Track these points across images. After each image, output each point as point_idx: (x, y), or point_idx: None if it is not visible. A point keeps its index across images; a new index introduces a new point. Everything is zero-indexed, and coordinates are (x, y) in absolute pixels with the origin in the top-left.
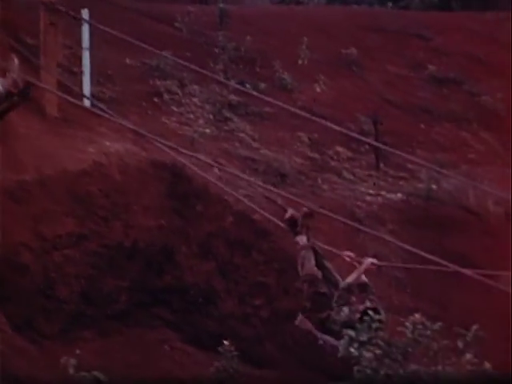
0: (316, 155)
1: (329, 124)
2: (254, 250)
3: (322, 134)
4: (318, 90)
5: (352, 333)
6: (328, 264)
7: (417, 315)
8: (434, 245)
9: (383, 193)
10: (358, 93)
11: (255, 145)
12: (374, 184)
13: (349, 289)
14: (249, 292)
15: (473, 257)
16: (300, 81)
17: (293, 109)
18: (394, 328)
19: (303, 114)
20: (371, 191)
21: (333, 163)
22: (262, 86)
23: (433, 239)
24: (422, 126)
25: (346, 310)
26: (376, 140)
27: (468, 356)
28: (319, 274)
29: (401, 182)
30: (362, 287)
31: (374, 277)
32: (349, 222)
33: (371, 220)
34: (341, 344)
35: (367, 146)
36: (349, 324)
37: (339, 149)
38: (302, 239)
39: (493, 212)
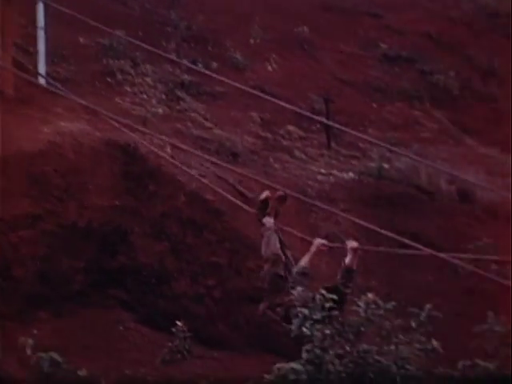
0: (268, 134)
1: (281, 103)
2: (206, 230)
3: (273, 113)
4: (270, 69)
5: (306, 311)
6: (288, 251)
7: (369, 294)
8: (385, 223)
9: (335, 172)
10: (310, 72)
11: (208, 124)
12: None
13: (303, 272)
14: (201, 272)
15: (425, 235)
16: (252, 60)
17: (245, 88)
18: (347, 307)
19: (255, 92)
20: (323, 170)
21: (284, 142)
22: (214, 65)
23: (384, 218)
24: (374, 104)
25: (299, 289)
26: (327, 119)
27: (418, 335)
28: (283, 257)
29: (352, 161)
30: (347, 272)
31: (326, 257)
32: (307, 199)
33: (323, 199)
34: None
35: (319, 125)
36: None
37: (291, 128)
38: (269, 221)
39: (445, 191)
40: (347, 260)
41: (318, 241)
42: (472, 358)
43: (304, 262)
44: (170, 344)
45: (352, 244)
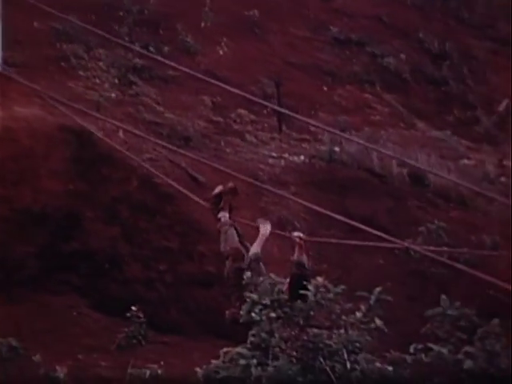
0: (219, 118)
1: (228, 87)
2: (157, 215)
3: (225, 96)
4: (221, 52)
5: (255, 296)
6: (246, 244)
7: (319, 278)
8: (337, 207)
9: (286, 155)
10: (261, 55)
11: (159, 109)
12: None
13: (256, 258)
14: (153, 256)
15: (376, 218)
16: (203, 44)
17: (195, 73)
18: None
19: (204, 78)
20: (274, 154)
21: (236, 126)
22: (166, 49)
23: (336, 201)
24: (325, 88)
25: (248, 274)
26: (278, 102)
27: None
28: (243, 250)
29: (303, 145)
30: (299, 265)
31: (278, 240)
32: (257, 183)
33: (274, 183)
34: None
35: (270, 109)
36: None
37: (242, 112)
38: (225, 216)
39: (396, 174)
40: (296, 254)
41: (266, 227)
42: (424, 341)
43: (255, 248)
44: (125, 329)
45: (297, 236)
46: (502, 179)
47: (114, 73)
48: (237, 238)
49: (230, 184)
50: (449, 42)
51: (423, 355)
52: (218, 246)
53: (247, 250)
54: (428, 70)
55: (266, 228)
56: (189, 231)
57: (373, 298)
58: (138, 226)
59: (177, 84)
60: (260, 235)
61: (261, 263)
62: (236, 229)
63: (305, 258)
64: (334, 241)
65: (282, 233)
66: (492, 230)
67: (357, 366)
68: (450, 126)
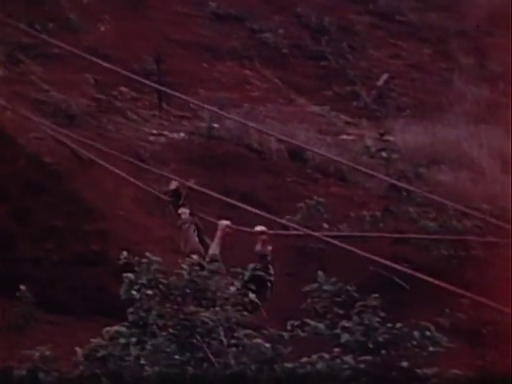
0: (102, 96)
1: (109, 65)
2: (45, 193)
3: (107, 74)
4: (103, 29)
5: (132, 276)
6: (207, 239)
7: (194, 256)
8: (216, 183)
9: (166, 132)
10: (142, 32)
11: (45, 87)
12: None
13: (213, 260)
14: (40, 235)
15: (255, 194)
16: (86, 21)
17: (76, 51)
18: (175, 269)
19: (86, 55)
20: (154, 131)
21: (118, 104)
22: (50, 26)
23: (215, 178)
24: (205, 64)
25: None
26: (159, 79)
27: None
28: (202, 250)
29: (183, 122)
30: (262, 258)
31: (158, 219)
32: (135, 161)
33: (155, 160)
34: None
35: (151, 86)
36: None
37: (123, 89)
38: (185, 212)
39: (275, 150)
40: (258, 246)
41: (223, 223)
42: (301, 317)
43: (212, 249)
44: (14, 309)
45: (259, 230)
46: (383, 154)
47: (1, 50)
48: (196, 238)
49: (192, 181)
50: (328, 16)
51: (300, 331)
52: (103, 225)
53: (206, 248)
54: (307, 45)
55: (223, 225)
56: (75, 210)
57: (247, 274)
58: (26, 205)
59: (61, 62)
60: (217, 233)
61: (220, 263)
62: (197, 225)
63: (268, 249)
64: (291, 233)
65: (244, 229)
66: (372, 205)
67: (234, 343)
68: (329, 102)
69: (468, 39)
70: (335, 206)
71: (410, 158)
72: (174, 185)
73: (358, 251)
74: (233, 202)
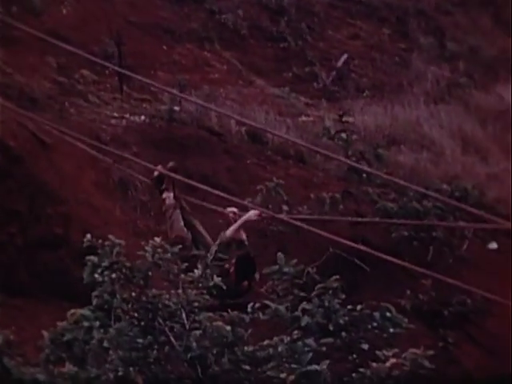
0: (63, 79)
1: (70, 47)
2: (8, 177)
3: (68, 57)
4: (64, 12)
5: (95, 258)
6: (195, 222)
7: (157, 239)
8: (177, 166)
9: (127, 116)
10: (103, 14)
11: (8, 70)
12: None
13: (228, 243)
14: (4, 219)
15: (215, 177)
16: (48, 3)
17: (38, 33)
18: (135, 252)
19: (47, 38)
20: (116, 114)
21: (79, 87)
22: (14, 9)
23: (176, 160)
24: (164, 46)
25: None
26: (119, 62)
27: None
28: (189, 235)
29: (144, 105)
30: (239, 244)
31: (120, 201)
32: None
33: (116, 143)
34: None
35: (111, 69)
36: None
37: (85, 72)
38: (169, 197)
39: (234, 132)
40: (232, 231)
41: (253, 213)
42: (261, 299)
43: (230, 232)
44: None
45: (231, 211)
46: (343, 135)
47: None
48: (182, 223)
49: (171, 164)
50: None
51: (261, 313)
52: (65, 208)
53: (195, 231)
54: (266, 26)
55: (250, 215)
56: (37, 194)
57: (210, 256)
58: None
59: (24, 45)
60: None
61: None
62: (182, 208)
63: (243, 235)
64: (280, 217)
65: (218, 208)
66: (331, 187)
67: (196, 326)
68: (289, 83)
69: (427, 19)
70: (295, 187)
71: (369, 139)
72: (156, 172)
73: (321, 232)
74: (191, 182)
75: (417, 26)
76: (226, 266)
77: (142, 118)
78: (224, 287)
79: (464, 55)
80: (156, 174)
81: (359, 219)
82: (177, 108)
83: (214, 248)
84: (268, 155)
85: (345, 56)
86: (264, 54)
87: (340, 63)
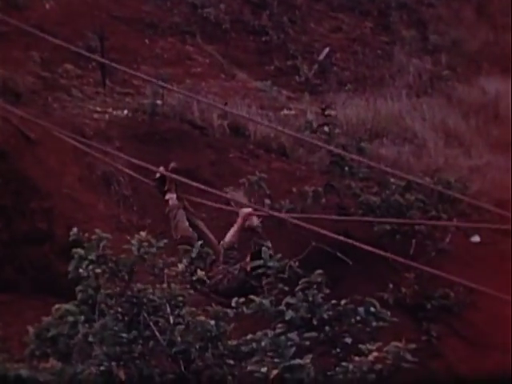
0: (47, 74)
1: (59, 42)
2: None
3: (52, 52)
4: (48, 6)
5: (81, 251)
6: (199, 222)
7: (142, 233)
8: (160, 160)
9: (110, 110)
10: (86, 9)
11: None
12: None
13: (231, 247)
14: None
15: (198, 170)
16: None
17: (26, 27)
18: (121, 246)
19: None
20: (99, 108)
21: (62, 81)
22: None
23: (159, 154)
24: (147, 40)
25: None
26: (102, 56)
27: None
28: (194, 234)
29: (127, 99)
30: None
31: (103, 196)
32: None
33: (99, 137)
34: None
35: (94, 63)
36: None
37: (68, 66)
38: (172, 198)
39: (217, 126)
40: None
41: (244, 210)
42: (246, 294)
43: (230, 236)
44: None
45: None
46: (325, 129)
47: None
48: (186, 223)
49: (172, 164)
50: None
51: (244, 308)
52: (49, 203)
53: (198, 231)
54: (248, 19)
55: (242, 212)
56: (22, 189)
57: (194, 250)
58: None
59: (8, 40)
60: (238, 220)
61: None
62: (185, 208)
63: (255, 221)
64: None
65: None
66: (314, 181)
67: (181, 321)
68: (271, 77)
69: (409, 12)
70: (277, 181)
71: (352, 132)
72: (158, 174)
73: (305, 225)
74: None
75: (399, 19)
76: (241, 264)
77: (125, 112)
78: (208, 281)
79: (446, 48)
80: (157, 177)
81: (347, 218)
82: (159, 102)
83: (221, 258)
84: (250, 149)
85: (327, 49)
86: (246, 48)
87: (322, 56)
